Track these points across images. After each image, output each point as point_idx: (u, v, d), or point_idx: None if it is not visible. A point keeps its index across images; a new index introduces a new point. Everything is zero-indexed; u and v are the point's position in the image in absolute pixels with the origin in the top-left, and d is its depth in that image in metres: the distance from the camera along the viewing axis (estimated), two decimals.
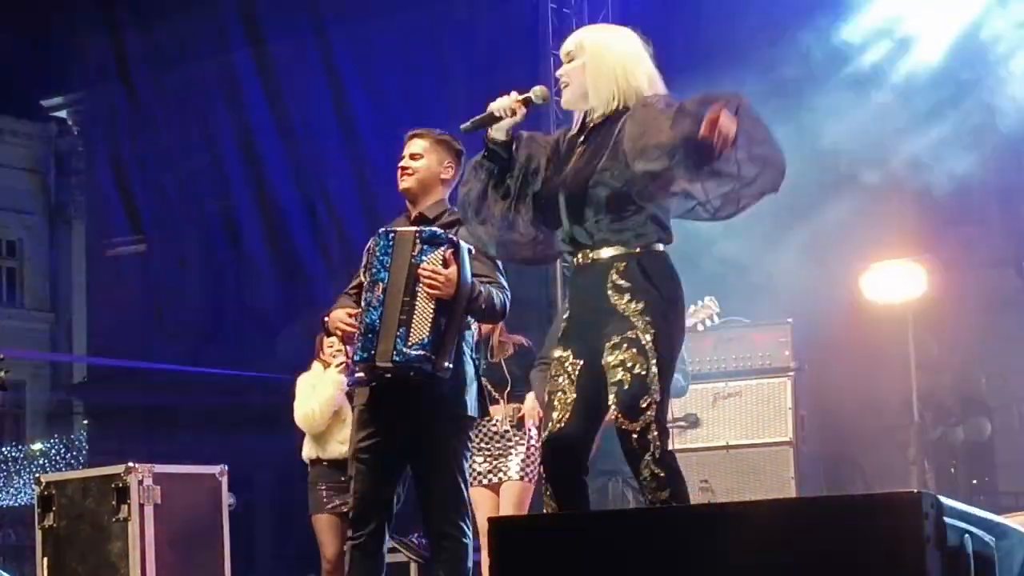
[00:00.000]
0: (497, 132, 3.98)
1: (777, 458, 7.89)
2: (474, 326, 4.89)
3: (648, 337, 3.77)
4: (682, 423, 8.39)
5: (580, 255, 3.91)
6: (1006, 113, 8.72)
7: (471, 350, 4.80)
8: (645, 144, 3.74)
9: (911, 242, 9.03)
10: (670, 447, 3.82)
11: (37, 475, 6.67)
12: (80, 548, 6.27)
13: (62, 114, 19.17)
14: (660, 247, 3.87)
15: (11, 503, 20.60)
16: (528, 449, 6.76)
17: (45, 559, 6.38)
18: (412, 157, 4.85)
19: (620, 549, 2.79)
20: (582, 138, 3.97)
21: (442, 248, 4.55)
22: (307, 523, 6.86)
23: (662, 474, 3.75)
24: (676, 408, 8.65)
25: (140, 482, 6.16)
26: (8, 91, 16.85)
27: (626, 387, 3.75)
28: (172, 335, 16.09)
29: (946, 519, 2.52)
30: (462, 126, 4.09)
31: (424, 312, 4.51)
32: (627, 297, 3.80)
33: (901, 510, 2.52)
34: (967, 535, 2.60)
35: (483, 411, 4.86)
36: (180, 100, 15.71)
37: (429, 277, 4.50)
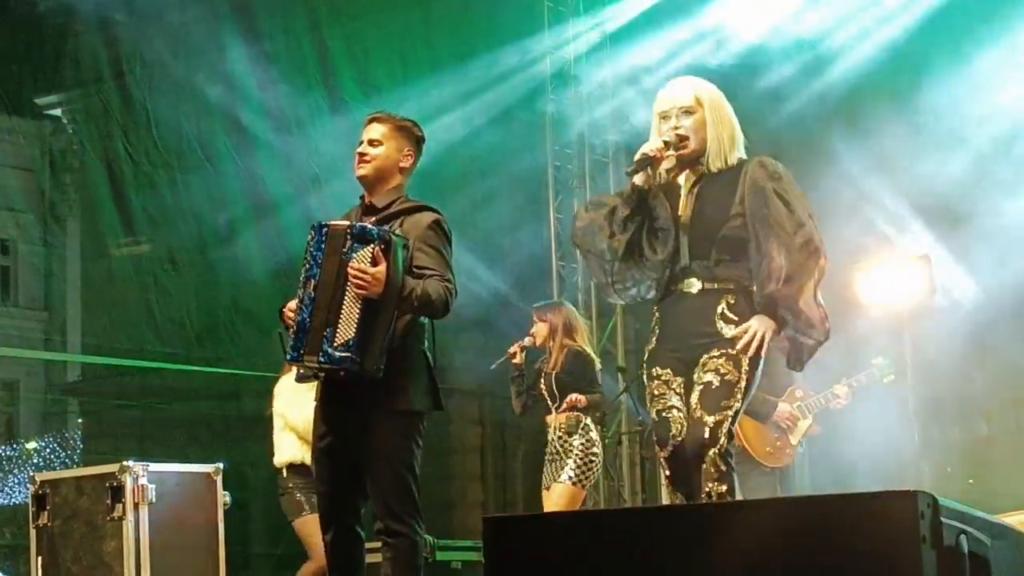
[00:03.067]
0: (639, 179, 4.33)
1: None
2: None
3: (746, 360, 4.27)
4: None
5: (684, 284, 4.35)
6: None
7: (425, 343, 4.74)
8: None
9: (909, 242, 9.03)
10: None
11: (31, 474, 6.65)
12: (74, 547, 6.25)
13: (56, 112, 19.13)
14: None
15: (5, 502, 20.57)
16: (586, 456, 6.87)
17: (39, 558, 6.37)
18: (371, 143, 4.76)
19: (614, 548, 2.78)
20: (693, 181, 4.37)
21: (372, 245, 4.51)
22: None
23: (723, 467, 4.21)
24: None
25: (135, 481, 6.14)
26: (1, 89, 16.81)
27: (714, 386, 4.24)
28: (166, 334, 16.06)
29: (942, 519, 2.52)
30: (627, 170, 4.38)
31: (350, 313, 4.48)
32: (733, 327, 4.28)
33: (897, 509, 2.51)
34: (963, 535, 2.59)
35: (436, 404, 4.75)
36: (174, 98, 15.68)
37: (356, 276, 4.47)
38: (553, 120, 11.16)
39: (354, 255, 4.50)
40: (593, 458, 6.93)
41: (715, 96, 4.39)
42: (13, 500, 20.16)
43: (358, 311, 4.48)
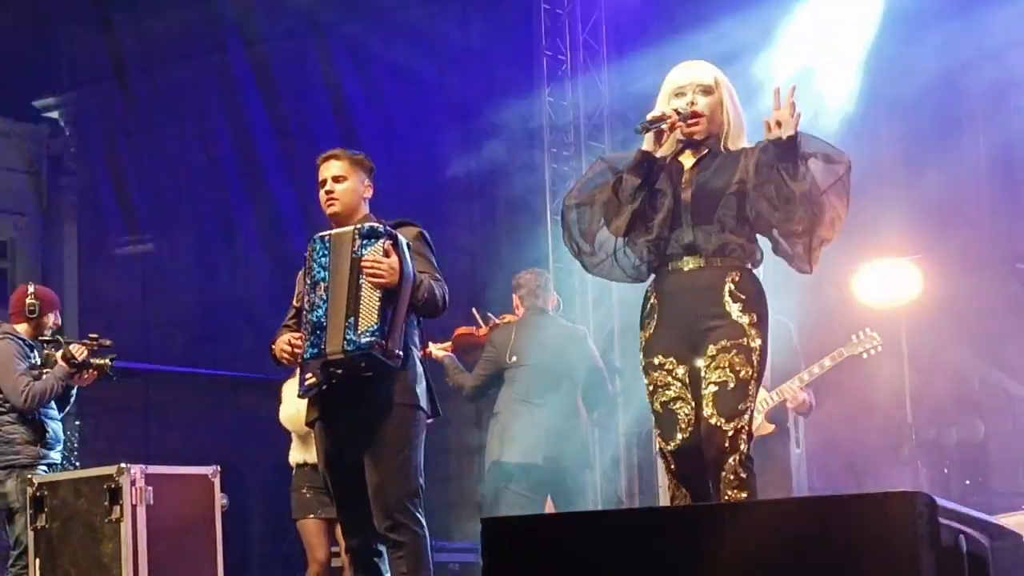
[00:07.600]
0: (648, 144, 4.12)
1: None
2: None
3: (756, 348, 4.03)
4: None
5: (682, 261, 4.10)
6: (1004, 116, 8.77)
7: (418, 349, 4.83)
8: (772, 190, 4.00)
9: (905, 243, 9.03)
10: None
11: (29, 476, 6.63)
12: (72, 549, 6.24)
13: (54, 115, 19.10)
14: (759, 269, 4.17)
15: None
16: None
17: (37, 560, 6.35)
18: (335, 180, 4.89)
19: (612, 550, 2.78)
20: (695, 162, 4.16)
21: (381, 240, 4.61)
22: None
23: (744, 475, 4.00)
24: None
25: (133, 483, 6.13)
26: (0, 92, 16.78)
27: (730, 387, 3.99)
28: (166, 335, 16.04)
29: (940, 519, 2.52)
30: (638, 127, 4.16)
31: (370, 301, 4.55)
32: (740, 307, 4.04)
33: (895, 510, 2.51)
34: (961, 535, 2.59)
35: (435, 410, 4.88)
36: (175, 99, 15.67)
37: (372, 266, 4.55)
38: (550, 125, 11.17)
39: (364, 251, 4.59)
40: None
41: (730, 84, 4.22)
42: None
43: (377, 300, 4.55)
